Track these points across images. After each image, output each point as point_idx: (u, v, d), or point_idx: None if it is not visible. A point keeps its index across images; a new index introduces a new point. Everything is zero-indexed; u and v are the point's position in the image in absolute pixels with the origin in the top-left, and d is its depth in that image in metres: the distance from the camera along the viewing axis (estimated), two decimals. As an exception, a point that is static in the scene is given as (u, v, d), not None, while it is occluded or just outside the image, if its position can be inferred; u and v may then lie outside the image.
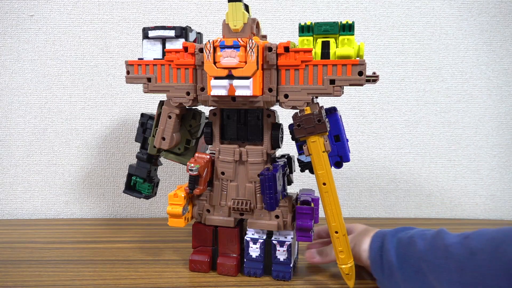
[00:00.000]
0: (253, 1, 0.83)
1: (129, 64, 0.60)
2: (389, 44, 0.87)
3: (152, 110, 0.86)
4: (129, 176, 0.66)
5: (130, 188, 0.67)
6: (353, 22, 0.51)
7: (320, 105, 0.54)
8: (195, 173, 0.55)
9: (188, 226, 0.80)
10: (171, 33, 0.57)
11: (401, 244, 0.52)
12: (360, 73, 0.50)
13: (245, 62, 0.51)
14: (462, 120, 0.90)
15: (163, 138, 0.59)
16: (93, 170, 0.87)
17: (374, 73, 0.54)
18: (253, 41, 0.50)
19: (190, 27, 0.59)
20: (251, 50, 0.50)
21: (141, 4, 0.82)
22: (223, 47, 0.51)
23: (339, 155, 0.56)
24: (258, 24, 0.56)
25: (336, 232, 0.53)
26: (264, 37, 0.59)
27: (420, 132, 0.90)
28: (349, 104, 0.88)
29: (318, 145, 0.51)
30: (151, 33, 0.58)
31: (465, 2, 0.86)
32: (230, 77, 0.52)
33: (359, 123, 0.89)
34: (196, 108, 0.63)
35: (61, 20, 0.82)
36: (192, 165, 0.55)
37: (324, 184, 0.52)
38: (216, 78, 0.52)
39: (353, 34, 0.51)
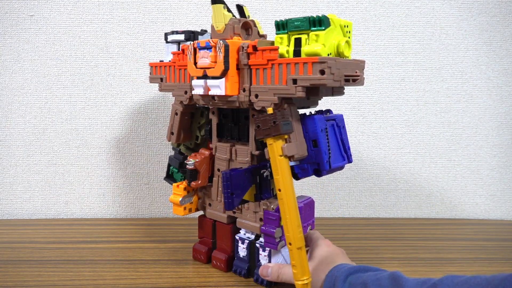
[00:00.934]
0: (253, 1, 0.83)
1: (150, 66, 0.65)
2: (389, 44, 0.87)
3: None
4: (168, 165, 0.70)
5: (169, 176, 0.70)
6: (323, 16, 0.47)
7: (319, 107, 0.54)
8: (191, 167, 0.58)
9: (188, 227, 0.80)
10: (182, 36, 0.61)
11: None
12: (322, 72, 0.46)
13: (216, 62, 0.53)
14: (462, 120, 0.90)
15: (172, 133, 0.63)
16: (93, 170, 0.87)
17: (356, 72, 0.50)
18: (221, 41, 0.51)
19: (204, 30, 0.63)
20: (219, 50, 0.52)
21: (141, 4, 0.82)
22: (199, 48, 0.54)
23: (316, 162, 0.52)
24: (254, 23, 0.56)
25: (290, 244, 0.48)
26: (263, 36, 0.59)
27: (420, 132, 0.90)
28: (349, 104, 0.88)
29: (274, 148, 0.48)
30: (169, 38, 0.64)
31: (465, 2, 0.86)
32: (205, 77, 0.54)
33: (359, 123, 0.89)
34: (205, 106, 0.64)
35: (61, 20, 0.82)
36: (191, 159, 0.59)
37: (280, 190, 0.48)
38: (198, 78, 0.55)
39: (323, 29, 0.47)
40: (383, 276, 0.44)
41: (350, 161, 0.56)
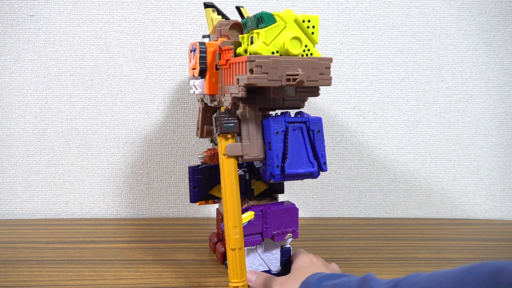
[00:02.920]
0: (253, 1, 0.83)
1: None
2: (389, 44, 0.87)
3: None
4: None
5: None
6: (263, 13, 0.46)
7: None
8: (201, 160, 0.61)
9: (188, 227, 0.80)
10: (207, 40, 0.63)
11: None
12: (251, 71, 0.45)
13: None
14: (462, 120, 0.90)
15: (198, 128, 0.67)
16: (93, 170, 0.87)
17: (297, 70, 0.46)
18: (198, 43, 0.54)
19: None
20: (197, 52, 0.54)
21: (141, 4, 0.82)
22: (191, 50, 0.57)
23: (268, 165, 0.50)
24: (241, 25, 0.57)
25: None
26: None
27: (420, 132, 0.90)
28: (349, 104, 0.88)
29: (220, 146, 0.48)
30: (203, 40, 0.65)
31: (465, 2, 0.86)
32: (195, 77, 0.58)
33: (359, 123, 0.89)
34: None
35: (61, 20, 0.82)
36: (203, 153, 0.62)
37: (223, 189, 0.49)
38: (191, 78, 0.59)
39: (262, 28, 0.46)
40: (354, 278, 0.44)
41: (323, 169, 0.51)
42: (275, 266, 0.59)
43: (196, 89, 0.58)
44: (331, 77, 0.48)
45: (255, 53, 0.46)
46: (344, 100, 0.88)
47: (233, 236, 0.49)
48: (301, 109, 0.54)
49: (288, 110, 0.53)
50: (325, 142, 0.52)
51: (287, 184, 0.90)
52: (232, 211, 0.49)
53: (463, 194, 0.92)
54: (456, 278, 0.34)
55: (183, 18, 0.83)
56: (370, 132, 0.89)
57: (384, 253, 0.70)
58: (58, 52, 0.83)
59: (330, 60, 0.47)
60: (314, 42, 0.48)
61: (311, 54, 0.47)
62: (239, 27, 0.57)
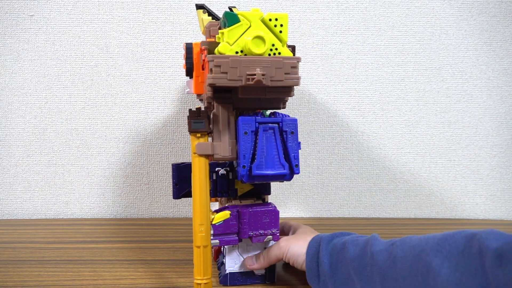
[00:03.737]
0: (253, 1, 0.83)
1: None
2: (389, 44, 0.87)
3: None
4: None
5: None
6: (225, 13, 0.46)
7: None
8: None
9: (188, 227, 0.80)
10: None
11: (334, 251, 0.49)
12: (211, 71, 0.46)
13: None
14: (462, 120, 0.90)
15: None
16: (93, 170, 0.87)
17: (256, 70, 0.46)
18: (185, 44, 0.55)
19: None
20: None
21: (141, 4, 0.82)
22: None
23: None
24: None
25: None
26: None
27: (420, 132, 0.90)
28: (349, 104, 0.88)
29: (191, 145, 0.49)
30: None
31: (465, 2, 0.86)
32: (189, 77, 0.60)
33: (359, 123, 0.89)
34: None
35: (61, 20, 0.82)
36: None
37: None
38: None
39: (225, 27, 0.46)
40: (362, 238, 0.49)
41: (294, 172, 0.49)
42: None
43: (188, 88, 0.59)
44: (299, 77, 0.47)
45: (220, 53, 0.46)
46: (344, 100, 0.88)
47: (199, 234, 0.50)
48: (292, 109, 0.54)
49: (267, 110, 0.54)
50: (300, 144, 0.50)
51: (287, 184, 0.90)
52: (199, 209, 0.50)
53: (463, 194, 0.92)
54: (441, 240, 0.41)
55: (183, 18, 0.83)
56: (370, 132, 0.89)
57: (384, 253, 0.70)
58: (58, 52, 0.83)
59: (297, 59, 0.46)
60: (282, 41, 0.47)
61: (279, 53, 0.46)
62: None
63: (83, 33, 0.83)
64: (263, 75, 0.45)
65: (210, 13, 0.59)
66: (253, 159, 0.48)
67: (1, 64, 0.83)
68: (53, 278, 0.58)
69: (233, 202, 0.57)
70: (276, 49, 0.46)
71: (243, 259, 0.57)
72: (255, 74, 0.45)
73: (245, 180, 0.49)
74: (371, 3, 0.85)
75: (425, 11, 0.86)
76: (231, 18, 0.45)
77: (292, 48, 0.56)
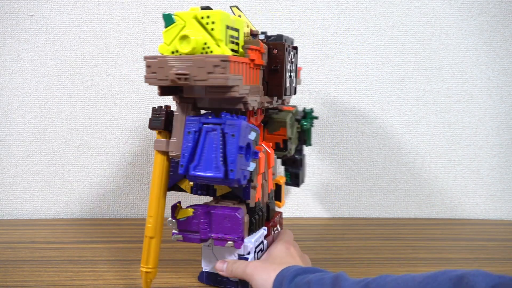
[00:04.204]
0: (253, 1, 0.83)
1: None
2: (389, 44, 0.87)
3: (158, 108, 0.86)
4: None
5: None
6: (163, 15, 0.46)
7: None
8: None
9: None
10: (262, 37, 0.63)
11: None
12: (147, 71, 0.47)
13: None
14: (462, 120, 0.90)
15: None
16: (93, 170, 0.87)
17: (174, 69, 0.46)
18: None
19: (263, 32, 0.59)
20: None
21: (141, 4, 0.82)
22: None
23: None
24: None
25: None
26: (254, 35, 0.57)
27: (420, 132, 0.90)
28: (349, 104, 0.88)
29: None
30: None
31: (465, 2, 0.86)
32: None
33: (359, 123, 0.89)
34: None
35: (61, 20, 0.82)
36: None
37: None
38: None
39: (164, 29, 0.46)
40: (327, 276, 0.44)
41: (229, 177, 0.46)
42: None
43: None
44: (226, 76, 0.43)
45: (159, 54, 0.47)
46: (344, 100, 0.88)
47: (147, 225, 0.52)
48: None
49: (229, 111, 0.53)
50: (245, 148, 0.47)
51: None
52: (151, 202, 0.52)
53: (463, 194, 0.92)
54: (421, 284, 0.37)
55: (183, 18, 0.83)
56: (370, 132, 0.89)
57: (384, 253, 0.70)
58: (58, 52, 0.83)
59: (220, 57, 0.43)
60: (215, 39, 0.45)
61: (211, 51, 0.45)
62: None
63: (83, 33, 0.83)
64: (182, 74, 0.44)
65: None
66: (192, 159, 0.47)
67: (1, 64, 0.83)
68: (53, 278, 0.58)
69: (209, 202, 0.56)
70: (208, 47, 0.45)
71: (216, 260, 0.56)
72: (180, 74, 0.45)
73: (188, 179, 0.48)
74: (371, 3, 0.85)
75: (425, 11, 0.86)
76: (167, 19, 0.46)
77: (295, 49, 0.56)
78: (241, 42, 0.50)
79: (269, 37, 0.59)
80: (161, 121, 0.51)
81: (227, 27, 0.46)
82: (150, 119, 0.51)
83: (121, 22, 0.83)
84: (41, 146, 0.86)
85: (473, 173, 0.92)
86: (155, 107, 0.52)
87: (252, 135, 0.48)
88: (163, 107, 0.52)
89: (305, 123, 0.70)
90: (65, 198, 0.88)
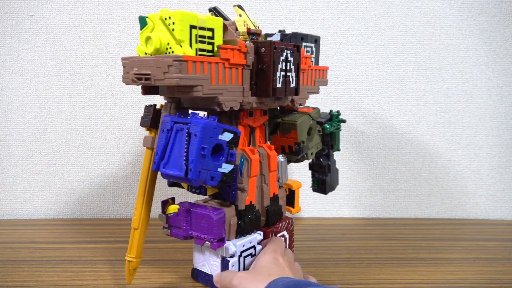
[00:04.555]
0: (253, 1, 0.83)
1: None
2: (389, 44, 0.87)
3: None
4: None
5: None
6: (139, 17, 0.47)
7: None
8: None
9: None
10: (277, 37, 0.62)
11: None
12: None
13: None
14: (462, 120, 0.90)
15: None
16: (93, 170, 0.87)
17: (134, 69, 0.48)
18: None
19: (281, 30, 0.60)
20: None
21: (141, 4, 0.82)
22: None
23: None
24: (229, 24, 0.56)
25: None
26: (252, 34, 0.57)
27: (420, 132, 0.90)
28: (349, 104, 0.88)
29: None
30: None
31: (465, 2, 0.86)
32: None
33: (359, 123, 0.89)
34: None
35: (61, 20, 0.82)
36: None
37: None
38: None
39: (140, 30, 0.47)
40: None
41: (189, 176, 0.46)
42: (217, 272, 0.55)
43: None
44: (178, 76, 0.44)
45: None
46: (344, 100, 0.88)
47: (133, 217, 0.54)
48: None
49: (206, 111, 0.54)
50: (199, 148, 0.46)
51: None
52: (137, 196, 0.55)
53: (463, 194, 0.92)
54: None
55: (183, 18, 0.83)
56: (370, 132, 0.89)
57: (384, 253, 0.70)
58: (58, 52, 0.83)
59: (173, 57, 0.44)
60: (176, 39, 0.45)
61: (173, 51, 0.46)
62: (224, 29, 0.56)
63: (83, 33, 0.83)
64: (141, 74, 0.46)
65: (220, 15, 0.58)
66: (163, 156, 0.49)
67: (1, 64, 0.83)
68: (53, 278, 0.58)
69: (199, 200, 0.56)
70: (170, 48, 0.46)
71: (207, 259, 0.56)
72: (138, 74, 0.47)
73: (161, 175, 0.50)
74: (371, 3, 0.85)
75: (425, 11, 0.86)
76: (141, 21, 0.48)
77: (296, 47, 0.55)
78: (218, 42, 0.49)
79: (286, 35, 0.59)
80: (149, 119, 0.53)
81: (192, 27, 0.46)
82: (141, 117, 0.54)
83: (121, 22, 0.83)
84: (41, 146, 0.86)
85: (473, 173, 0.92)
86: (146, 106, 0.54)
87: (226, 136, 0.48)
88: (151, 106, 0.54)
89: (327, 126, 0.65)
90: (65, 198, 0.88)
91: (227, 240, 0.53)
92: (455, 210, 0.93)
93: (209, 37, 0.48)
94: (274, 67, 0.52)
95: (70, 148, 0.86)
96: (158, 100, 0.85)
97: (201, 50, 0.47)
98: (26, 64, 0.83)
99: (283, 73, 0.53)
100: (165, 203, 0.55)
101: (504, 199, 0.93)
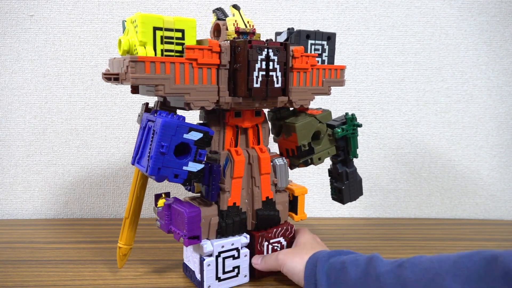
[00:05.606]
0: (253, 1, 0.83)
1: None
2: (389, 44, 0.87)
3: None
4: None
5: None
6: (122, 22, 0.50)
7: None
8: None
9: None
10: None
11: (332, 271, 0.48)
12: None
13: None
14: (462, 120, 0.90)
15: None
16: (93, 170, 0.87)
17: (107, 70, 0.52)
18: None
19: (291, 28, 0.59)
20: None
21: (141, 4, 0.82)
22: None
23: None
24: (222, 24, 0.56)
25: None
26: (240, 33, 0.56)
27: (420, 132, 0.90)
28: (349, 104, 0.88)
29: None
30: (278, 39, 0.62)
31: (465, 2, 0.86)
32: None
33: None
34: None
35: (61, 20, 0.82)
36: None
37: None
38: None
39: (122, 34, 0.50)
40: (362, 257, 0.47)
41: (148, 172, 0.47)
42: (196, 269, 0.56)
43: None
44: (134, 76, 0.46)
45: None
46: (344, 100, 0.88)
47: (127, 206, 0.58)
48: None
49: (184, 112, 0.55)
50: (159, 145, 0.47)
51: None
52: (131, 187, 0.58)
53: (463, 194, 0.92)
54: (456, 264, 0.38)
55: (183, 18, 0.83)
56: (370, 132, 0.89)
57: (384, 253, 0.70)
58: (58, 52, 0.83)
59: (129, 58, 0.46)
60: (139, 41, 0.47)
61: (137, 53, 0.47)
62: (215, 29, 0.56)
63: (83, 33, 0.83)
64: (110, 74, 0.49)
65: (219, 18, 0.58)
66: (138, 151, 0.51)
67: (1, 64, 0.83)
68: (53, 278, 0.58)
69: (188, 197, 0.58)
70: (136, 49, 0.47)
71: (191, 255, 0.57)
72: (109, 74, 0.50)
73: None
74: (371, 3, 0.85)
75: (425, 11, 0.86)
76: (123, 25, 0.51)
77: (284, 45, 0.54)
78: (190, 42, 0.50)
79: (291, 33, 0.58)
80: (140, 118, 0.57)
81: (157, 28, 0.47)
82: (138, 114, 0.57)
83: (121, 22, 0.83)
84: (41, 146, 0.86)
85: (473, 173, 0.92)
86: (143, 103, 0.57)
87: (193, 135, 0.49)
88: (144, 104, 0.57)
89: (338, 130, 0.60)
90: (65, 198, 0.88)
91: (207, 239, 0.54)
92: (455, 210, 0.93)
93: (178, 38, 0.49)
94: (250, 66, 0.50)
95: (70, 148, 0.86)
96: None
97: (168, 50, 0.48)
98: (26, 64, 0.83)
99: (262, 73, 0.51)
100: (158, 197, 0.56)
101: (504, 199, 0.93)
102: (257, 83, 0.51)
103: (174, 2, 0.83)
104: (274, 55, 0.52)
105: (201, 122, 0.58)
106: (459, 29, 0.87)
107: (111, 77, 0.49)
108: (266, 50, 0.51)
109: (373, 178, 0.91)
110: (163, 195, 0.56)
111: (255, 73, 0.51)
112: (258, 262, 0.57)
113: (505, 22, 0.87)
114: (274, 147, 0.65)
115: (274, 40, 0.61)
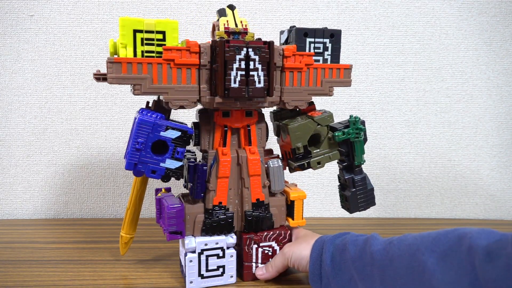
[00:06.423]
0: (253, 1, 0.83)
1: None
2: (389, 44, 0.87)
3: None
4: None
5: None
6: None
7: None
8: None
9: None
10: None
11: (336, 252, 0.50)
12: None
13: None
14: (462, 120, 0.90)
15: None
16: (93, 170, 0.87)
17: (98, 71, 0.54)
18: None
19: (292, 26, 0.58)
20: None
21: (141, 4, 0.82)
22: None
23: None
24: (213, 26, 0.57)
25: None
26: (231, 33, 0.55)
27: (420, 132, 0.90)
28: (349, 104, 0.88)
29: None
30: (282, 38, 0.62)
31: (465, 2, 0.86)
32: None
33: (359, 123, 0.89)
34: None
35: (61, 20, 0.82)
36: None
37: None
38: None
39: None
40: (361, 237, 0.50)
41: (125, 167, 0.50)
42: (183, 265, 0.57)
43: None
44: (111, 76, 0.50)
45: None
46: (344, 100, 0.88)
47: (130, 198, 0.59)
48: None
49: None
50: (133, 141, 0.50)
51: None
52: (132, 190, 0.60)
53: (463, 194, 0.92)
54: (435, 240, 0.42)
55: (183, 18, 0.83)
56: (370, 132, 0.89)
57: (384, 253, 0.70)
58: (58, 52, 0.83)
59: (108, 59, 0.49)
60: (119, 43, 0.50)
61: (119, 54, 0.50)
62: (215, 29, 0.56)
63: (83, 33, 0.83)
64: (98, 74, 0.52)
65: (222, 15, 0.58)
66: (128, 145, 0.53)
67: (1, 64, 0.83)
68: (53, 278, 0.58)
69: (181, 194, 0.59)
70: (118, 51, 0.50)
71: (181, 250, 0.58)
72: (95, 75, 0.53)
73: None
74: (371, 3, 0.85)
75: (425, 11, 0.86)
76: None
77: (268, 44, 0.52)
78: (172, 43, 0.51)
79: (290, 31, 0.57)
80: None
81: (137, 31, 0.49)
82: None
83: (121, 22, 0.83)
84: (41, 146, 0.86)
85: (473, 173, 0.92)
86: (147, 102, 0.58)
87: (170, 134, 0.51)
88: (148, 103, 0.58)
89: (337, 134, 0.57)
90: (65, 198, 0.88)
91: (191, 235, 0.55)
92: (455, 210, 0.93)
93: (159, 40, 0.50)
94: (226, 66, 0.50)
95: (70, 148, 0.86)
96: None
97: (148, 52, 0.50)
98: (26, 64, 0.83)
99: (241, 72, 0.50)
100: (158, 191, 0.59)
101: (504, 199, 0.93)
102: (235, 83, 0.50)
103: (174, 2, 0.83)
104: (255, 54, 0.51)
105: (195, 121, 0.58)
106: (459, 29, 0.87)
107: (100, 77, 0.52)
108: (245, 49, 0.50)
109: (373, 178, 0.91)
110: (163, 190, 0.58)
111: (233, 73, 0.50)
112: (263, 272, 0.58)
113: (505, 22, 0.87)
114: (276, 149, 0.65)
115: (279, 40, 0.61)
